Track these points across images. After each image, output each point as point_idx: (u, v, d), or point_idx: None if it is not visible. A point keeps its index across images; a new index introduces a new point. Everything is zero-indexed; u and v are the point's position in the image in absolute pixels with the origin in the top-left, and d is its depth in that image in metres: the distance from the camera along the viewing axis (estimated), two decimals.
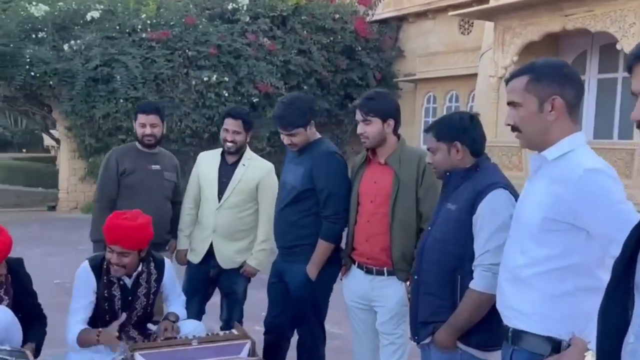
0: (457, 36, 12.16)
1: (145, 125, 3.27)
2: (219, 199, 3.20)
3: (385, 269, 2.53)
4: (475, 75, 10.46)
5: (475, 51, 10.86)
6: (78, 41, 10.04)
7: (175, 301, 2.83)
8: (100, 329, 2.44)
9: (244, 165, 3.24)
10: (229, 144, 3.18)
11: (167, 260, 2.83)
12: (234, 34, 11.49)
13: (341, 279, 2.77)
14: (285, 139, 2.79)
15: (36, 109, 11.27)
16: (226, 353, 2.48)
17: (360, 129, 2.54)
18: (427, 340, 2.03)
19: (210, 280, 3.30)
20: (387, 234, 2.49)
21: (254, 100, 11.28)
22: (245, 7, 11.81)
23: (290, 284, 2.82)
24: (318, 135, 2.89)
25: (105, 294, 2.52)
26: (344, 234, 2.74)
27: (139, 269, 2.62)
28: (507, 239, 1.73)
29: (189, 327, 2.71)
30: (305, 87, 11.73)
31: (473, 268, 1.91)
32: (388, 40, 13.42)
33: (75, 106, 10.23)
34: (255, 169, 3.25)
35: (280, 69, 11.66)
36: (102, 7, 10.54)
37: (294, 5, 12.23)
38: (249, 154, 3.30)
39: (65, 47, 10.03)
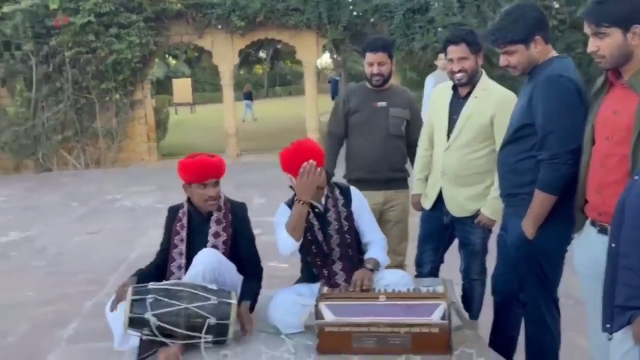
0: None
1: (373, 64, 3.33)
2: (448, 137, 2.96)
3: None
4: None
5: None
6: None
7: (371, 237, 2.84)
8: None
9: (475, 97, 2.93)
10: (458, 75, 2.92)
11: (353, 189, 2.88)
12: None
13: (572, 237, 2.29)
14: (501, 59, 2.39)
15: (360, 48, 12.39)
16: (415, 313, 2.37)
17: (591, 45, 1.99)
18: (621, 332, 1.57)
19: (444, 227, 3.16)
20: (625, 184, 1.90)
21: None
22: None
23: (508, 240, 2.52)
24: (552, 55, 2.32)
25: (305, 223, 2.70)
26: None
27: (325, 193, 2.77)
28: None
29: (391, 278, 2.67)
30: None
31: None
32: None
33: (396, 40, 10.78)
34: (490, 100, 2.89)
35: None
36: None
37: None
38: (484, 82, 2.95)
39: None
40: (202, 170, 2.73)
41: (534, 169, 2.31)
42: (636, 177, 1.53)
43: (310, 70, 12.07)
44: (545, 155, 2.23)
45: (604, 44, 1.93)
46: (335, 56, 21.67)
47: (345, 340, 2.32)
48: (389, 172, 3.40)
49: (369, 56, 3.32)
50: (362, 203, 2.87)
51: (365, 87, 3.46)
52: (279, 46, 20.35)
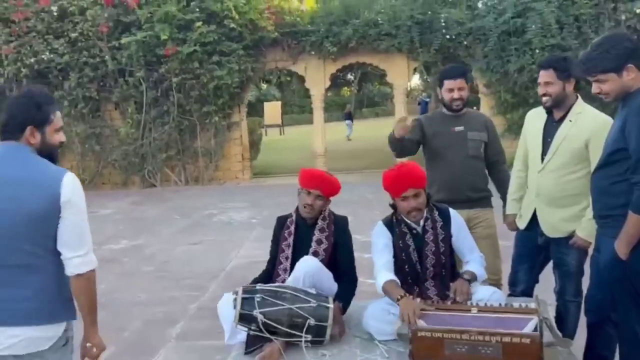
0: None
1: (453, 90, 3.50)
2: (542, 160, 3.05)
3: None
4: None
5: None
6: None
7: (470, 257, 2.97)
8: (403, 294, 2.69)
9: (570, 121, 3.00)
10: (544, 99, 3.04)
11: (452, 211, 3.01)
12: None
13: None
14: (593, 87, 2.48)
15: None
16: (507, 326, 2.47)
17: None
18: None
19: (539, 247, 3.22)
20: None
21: None
22: None
23: (601, 259, 2.57)
24: None
25: (401, 244, 2.89)
26: None
27: (425, 215, 2.88)
28: None
29: (484, 294, 2.78)
30: None
31: None
32: None
33: (490, 62, 10.79)
34: (585, 124, 2.95)
35: None
36: None
37: None
38: (579, 107, 3.02)
39: (479, 4, 10.68)
40: (309, 178, 3.09)
41: (627, 191, 2.35)
42: None
43: (400, 93, 12.27)
44: (638, 179, 2.28)
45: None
46: (425, 77, 21.71)
47: (437, 346, 2.46)
48: (470, 192, 3.50)
49: (449, 83, 3.48)
50: (461, 225, 3.00)
51: (442, 114, 3.62)
52: (369, 69, 20.71)
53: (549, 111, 3.09)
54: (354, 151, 17.67)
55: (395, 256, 2.91)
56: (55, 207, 1.94)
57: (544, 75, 2.98)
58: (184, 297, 4.95)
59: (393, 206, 2.97)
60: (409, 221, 2.91)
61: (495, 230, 3.59)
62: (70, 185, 1.98)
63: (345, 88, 40.12)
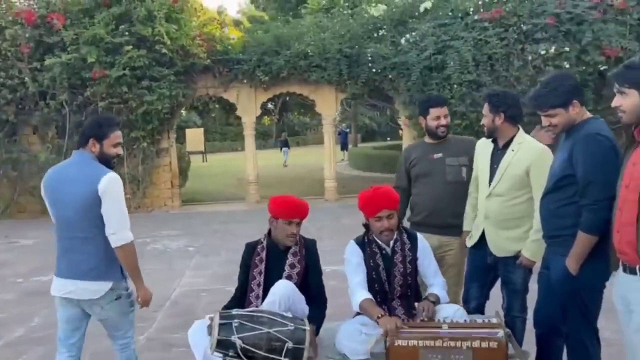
0: None
1: (440, 117, 3.72)
2: (490, 185, 3.31)
3: (637, 266, 2.29)
4: None
5: None
6: (413, 33, 11.11)
7: (434, 281, 3.16)
8: (383, 313, 2.86)
9: (512, 150, 3.29)
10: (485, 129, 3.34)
11: (419, 235, 3.20)
12: None
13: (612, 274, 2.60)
14: (543, 120, 2.77)
15: (380, 102, 13.00)
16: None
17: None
18: None
19: (488, 266, 3.45)
20: (634, 226, 2.25)
21: (602, 68, 10.30)
22: None
23: (552, 276, 2.83)
24: (587, 116, 2.72)
25: (371, 263, 3.03)
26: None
27: (395, 236, 3.07)
28: None
29: (448, 311, 2.97)
30: None
31: None
32: None
33: (412, 96, 11.36)
34: (525, 153, 3.26)
35: (635, 29, 10.26)
36: None
37: None
38: (520, 137, 3.34)
39: (402, 40, 11.26)
40: (294, 209, 3.12)
41: (574, 214, 2.64)
42: None
43: (328, 123, 12.61)
44: (587, 202, 2.57)
45: (624, 102, 2.28)
46: (345, 109, 22.36)
47: (412, 356, 2.60)
48: (449, 218, 3.66)
49: (436, 111, 3.68)
50: (426, 249, 3.19)
51: (423, 143, 3.86)
52: (299, 99, 21.07)
53: (494, 140, 3.39)
54: (284, 178, 17.78)
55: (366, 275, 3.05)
56: (97, 196, 2.71)
57: (484, 108, 3.31)
58: None
59: (366, 226, 3.11)
60: (379, 241, 3.06)
61: (463, 260, 3.72)
62: (105, 180, 2.72)
63: (266, 117, 40.32)
